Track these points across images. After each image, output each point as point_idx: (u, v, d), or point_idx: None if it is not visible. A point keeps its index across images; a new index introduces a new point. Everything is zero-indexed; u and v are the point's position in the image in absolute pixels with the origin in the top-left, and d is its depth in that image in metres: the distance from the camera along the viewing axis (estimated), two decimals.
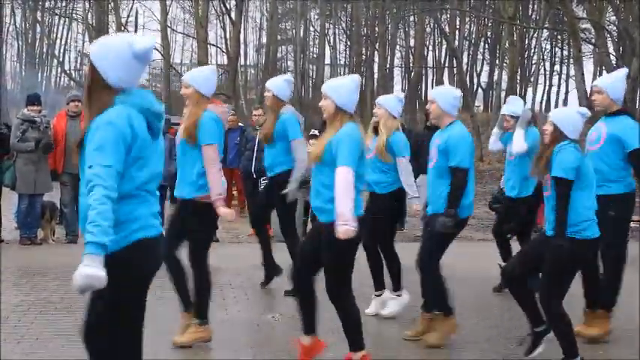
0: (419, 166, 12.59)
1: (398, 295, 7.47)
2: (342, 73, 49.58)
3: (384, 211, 7.34)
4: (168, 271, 6.10)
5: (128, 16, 42.52)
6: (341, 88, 5.44)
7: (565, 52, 51.22)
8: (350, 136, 5.30)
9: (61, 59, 46.06)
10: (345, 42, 50.54)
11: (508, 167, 8.43)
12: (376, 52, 42.06)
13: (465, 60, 47.22)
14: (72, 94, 11.71)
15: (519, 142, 7.88)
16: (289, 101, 8.18)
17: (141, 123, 3.58)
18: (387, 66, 43.26)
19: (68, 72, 42.89)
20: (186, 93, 6.12)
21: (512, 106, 8.44)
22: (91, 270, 3.25)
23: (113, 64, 3.57)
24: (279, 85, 8.02)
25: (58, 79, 49.11)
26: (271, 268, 8.30)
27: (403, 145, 7.31)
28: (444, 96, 6.46)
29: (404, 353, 6.29)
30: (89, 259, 3.28)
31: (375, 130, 7.29)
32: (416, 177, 12.71)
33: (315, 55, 49.74)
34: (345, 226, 5.10)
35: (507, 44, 34.97)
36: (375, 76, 43.45)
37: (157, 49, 40.74)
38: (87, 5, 41.59)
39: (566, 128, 5.61)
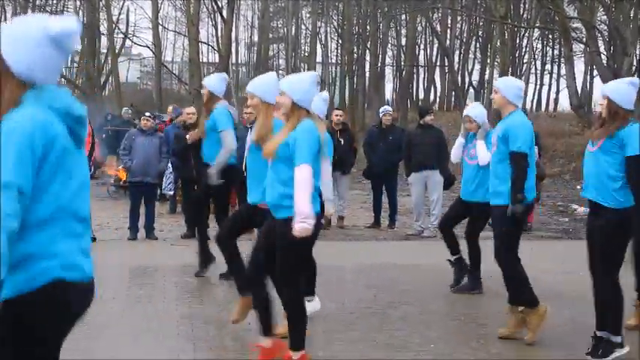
0: (411, 164, 12.68)
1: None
2: (333, 71, 49.64)
3: None
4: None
5: (119, 14, 42.46)
6: (298, 84, 5.43)
7: (556, 52, 51.36)
8: (308, 133, 5.30)
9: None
10: (337, 40, 50.53)
11: (467, 170, 8.51)
12: (368, 50, 42.02)
13: (456, 59, 47.30)
14: None
15: (484, 155, 8.05)
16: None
17: (59, 127, 2.78)
18: (379, 64, 43.24)
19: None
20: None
21: (475, 110, 8.62)
22: None
23: (21, 47, 2.80)
24: (213, 81, 8.60)
25: None
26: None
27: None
28: (508, 86, 6.77)
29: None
30: None
31: None
32: (408, 175, 12.85)
33: (306, 54, 49.72)
34: (304, 224, 5.11)
35: (499, 43, 34.93)
36: (367, 74, 43.44)
37: (149, 47, 40.71)
38: (78, 3, 41.53)
39: (621, 100, 5.78)
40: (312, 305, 7.38)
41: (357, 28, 43.56)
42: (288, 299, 5.53)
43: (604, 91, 5.98)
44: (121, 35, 41.02)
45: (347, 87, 43.40)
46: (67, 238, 2.78)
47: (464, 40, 50.11)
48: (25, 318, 2.69)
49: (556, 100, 53.71)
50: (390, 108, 14.82)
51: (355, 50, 42.54)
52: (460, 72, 47.16)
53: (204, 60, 41.87)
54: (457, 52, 48.68)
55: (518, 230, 6.66)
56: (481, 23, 44.41)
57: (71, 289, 2.79)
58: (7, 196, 2.57)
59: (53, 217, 2.73)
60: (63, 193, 2.76)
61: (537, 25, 37.72)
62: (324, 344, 6.52)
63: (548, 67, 54.96)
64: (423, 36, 50.60)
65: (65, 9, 43.93)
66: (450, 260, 8.64)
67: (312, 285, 7.30)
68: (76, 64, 43.98)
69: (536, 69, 52.75)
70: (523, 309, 6.62)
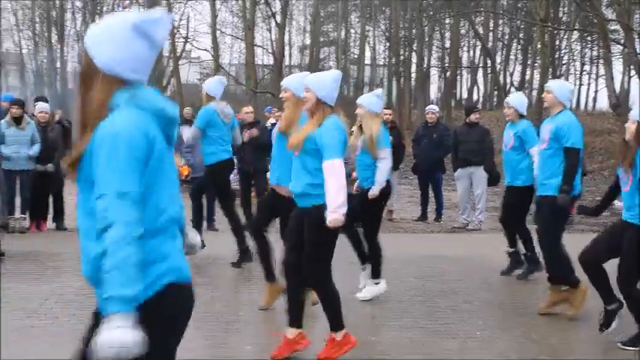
0: (458, 159, 12.62)
1: (376, 284, 7.55)
2: (381, 72, 49.49)
3: (370, 205, 7.45)
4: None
5: (180, 19, 42.74)
6: (322, 83, 5.44)
7: (594, 53, 50.51)
8: (336, 129, 5.32)
9: (161, 40, 46.39)
10: (384, 43, 50.34)
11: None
12: (414, 52, 41.85)
13: (498, 60, 46.83)
14: None
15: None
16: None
17: (155, 129, 2.61)
18: (424, 66, 43.03)
19: None
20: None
21: (513, 97, 8.84)
22: (121, 334, 2.36)
23: (108, 44, 2.59)
24: (210, 84, 8.98)
25: None
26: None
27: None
28: (560, 88, 7.06)
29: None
30: (116, 319, 2.38)
31: (361, 129, 7.47)
32: (455, 170, 12.81)
33: (355, 56, 49.65)
34: (336, 214, 5.14)
35: (539, 45, 34.52)
36: (413, 75, 43.25)
37: (208, 50, 40.96)
38: (141, 10, 41.90)
39: None
40: (379, 287, 7.44)
41: (403, 31, 43.37)
42: (318, 285, 5.58)
43: (633, 116, 6.01)
44: (182, 39, 41.32)
45: (394, 87, 43.28)
46: (171, 241, 2.66)
47: (505, 42, 49.59)
48: (148, 324, 2.48)
49: (594, 99, 52.96)
50: (435, 107, 14.73)
51: (402, 52, 42.37)
52: (502, 73, 46.71)
53: (259, 62, 41.96)
54: (499, 54, 48.19)
55: (563, 220, 6.93)
56: (522, 26, 43.91)
57: (183, 289, 2.68)
58: (127, 205, 2.44)
59: (159, 221, 2.61)
60: (163, 196, 2.63)
61: (576, 27, 37.17)
62: (375, 330, 6.53)
63: (586, 67, 54.15)
64: (467, 38, 50.15)
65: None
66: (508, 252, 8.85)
67: (378, 268, 7.50)
68: None
69: (575, 69, 52.05)
70: (567, 288, 6.91)
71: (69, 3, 43.03)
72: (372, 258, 7.59)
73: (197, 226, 9.29)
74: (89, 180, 2.54)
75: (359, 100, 7.58)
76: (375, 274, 7.54)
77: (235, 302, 7.36)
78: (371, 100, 7.45)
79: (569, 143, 6.67)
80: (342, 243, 9.89)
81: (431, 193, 13.69)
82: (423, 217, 13.69)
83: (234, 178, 14.25)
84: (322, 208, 5.28)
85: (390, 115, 13.47)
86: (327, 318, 5.57)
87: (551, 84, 7.23)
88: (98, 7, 42.62)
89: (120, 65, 2.59)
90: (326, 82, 5.45)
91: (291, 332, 5.63)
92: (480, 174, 12.34)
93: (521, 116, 8.43)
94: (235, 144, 9.05)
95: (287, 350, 5.58)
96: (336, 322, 5.53)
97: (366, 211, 7.50)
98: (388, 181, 7.53)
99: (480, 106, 45.33)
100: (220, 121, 8.72)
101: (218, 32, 40.84)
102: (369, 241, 7.58)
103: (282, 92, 6.41)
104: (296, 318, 5.64)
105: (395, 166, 12.99)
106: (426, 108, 14.54)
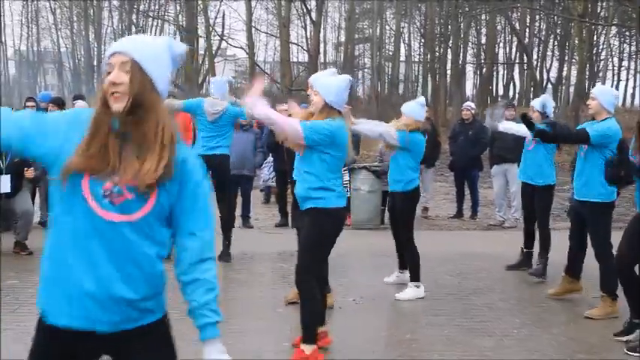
0: (494, 156, 12.57)
1: (417, 287, 7.59)
2: (416, 69, 49.32)
3: (403, 207, 7.63)
4: None
5: (216, 17, 42.97)
6: (332, 88, 5.41)
7: (633, 48, 49.92)
8: (328, 124, 5.28)
9: (180, 63, 46.79)
10: (419, 40, 50.18)
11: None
12: (449, 49, 41.65)
13: (534, 56, 46.44)
14: (169, 90, 11.95)
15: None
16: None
17: None
18: (460, 62, 42.80)
19: None
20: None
21: (537, 100, 8.73)
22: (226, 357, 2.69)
23: (162, 67, 2.58)
24: (215, 83, 9.26)
25: None
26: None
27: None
28: (605, 95, 7.04)
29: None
30: (219, 343, 2.71)
31: None
32: (491, 166, 12.76)
33: (390, 53, 49.51)
34: (253, 107, 5.18)
35: (576, 41, 34.21)
36: (448, 72, 43.05)
37: (243, 48, 41.12)
38: (178, 7, 42.18)
39: None
40: (418, 291, 7.47)
41: (439, 27, 43.18)
42: (303, 290, 5.48)
43: None
44: (217, 37, 41.53)
45: (429, 84, 43.11)
46: None
47: (542, 38, 49.15)
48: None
49: (632, 96, 52.37)
50: (471, 104, 14.63)
51: (437, 49, 42.20)
52: (538, 69, 46.32)
53: (295, 60, 42.06)
54: (536, 50, 47.78)
55: (609, 223, 6.99)
56: (559, 21, 43.48)
57: None
58: None
59: None
60: None
61: (614, 22, 36.73)
62: (411, 328, 6.54)
63: (625, 63, 53.60)
64: (503, 34, 49.83)
65: (166, 14, 44.70)
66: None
67: (417, 271, 7.55)
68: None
69: (613, 65, 51.55)
70: (604, 295, 6.86)
71: (106, 2, 43.44)
72: (409, 261, 7.62)
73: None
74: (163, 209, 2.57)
75: (403, 109, 7.66)
76: (414, 277, 7.56)
77: (272, 298, 7.40)
78: (414, 108, 7.53)
79: (608, 150, 6.72)
80: (370, 244, 9.93)
81: (467, 191, 13.63)
82: (459, 214, 13.64)
83: (270, 175, 14.33)
84: (320, 211, 5.33)
85: (425, 112, 13.43)
86: (301, 327, 5.46)
87: (596, 91, 7.21)
88: (135, 6, 42.98)
89: (165, 90, 2.61)
90: (335, 86, 5.43)
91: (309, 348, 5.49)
92: (515, 171, 12.26)
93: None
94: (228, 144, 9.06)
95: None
96: (308, 335, 5.41)
97: (399, 212, 7.59)
98: (417, 187, 7.62)
99: (515, 102, 45.05)
100: (202, 115, 8.85)
101: (253, 30, 41.02)
102: (405, 244, 7.62)
103: (309, 89, 6.44)
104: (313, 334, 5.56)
105: (430, 164, 12.98)
106: (463, 105, 14.48)
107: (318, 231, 5.39)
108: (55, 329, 2.54)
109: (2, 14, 44.87)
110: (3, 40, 46.71)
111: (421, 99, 7.91)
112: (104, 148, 2.48)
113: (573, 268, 7.44)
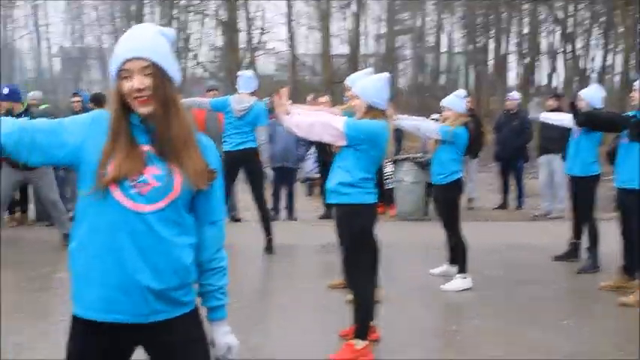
0: (540, 147, 12.47)
1: (464, 278, 7.56)
2: (458, 60, 48.97)
3: (445, 199, 7.63)
4: None
5: (256, 11, 43.01)
6: (371, 89, 5.38)
7: None
8: (372, 123, 5.28)
9: (195, 52, 47.08)
10: (461, 30, 49.77)
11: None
12: (491, 39, 41.28)
13: (578, 45, 45.82)
14: (210, 84, 12.03)
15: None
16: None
17: None
18: (502, 53, 42.39)
19: (202, 64, 43.63)
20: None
21: (584, 91, 8.57)
22: (233, 336, 2.79)
23: (170, 56, 2.63)
24: (241, 80, 9.19)
25: (193, 70, 50.11)
26: None
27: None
28: None
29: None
30: (226, 324, 2.79)
31: None
32: (538, 156, 12.67)
33: (431, 44, 49.19)
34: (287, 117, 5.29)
35: (621, 29, 33.68)
36: (490, 62, 42.68)
37: (283, 41, 41.15)
38: (219, 1, 42.29)
39: None
40: (465, 282, 7.45)
41: (480, 18, 42.79)
42: (353, 286, 5.51)
43: None
44: (258, 31, 41.58)
45: (471, 75, 42.79)
46: None
47: (586, 26, 48.47)
48: None
49: None
50: (515, 94, 14.49)
51: (479, 39, 41.85)
52: (582, 58, 45.71)
53: (335, 52, 41.93)
54: (579, 39, 47.13)
55: None
56: (603, 10, 42.86)
57: None
58: None
59: None
60: None
61: None
62: (456, 319, 6.52)
63: None
64: (545, 24, 49.21)
65: (206, 8, 44.87)
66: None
67: (464, 262, 7.52)
68: (217, 59, 44.91)
69: None
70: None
71: None
72: (455, 252, 7.59)
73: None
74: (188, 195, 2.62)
75: (443, 102, 7.64)
76: (461, 269, 7.53)
77: (316, 290, 7.41)
78: (455, 101, 7.52)
79: None
80: (414, 236, 9.91)
81: (512, 181, 13.54)
82: (504, 205, 13.55)
83: (313, 168, 14.34)
84: (346, 207, 5.35)
85: (468, 102, 13.35)
86: (354, 322, 5.45)
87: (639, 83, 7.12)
88: (175, 0, 43.20)
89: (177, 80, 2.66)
90: (374, 87, 5.41)
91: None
92: (559, 161, 12.15)
93: None
94: (259, 140, 9.07)
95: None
96: (361, 331, 5.40)
97: (442, 204, 7.59)
98: (460, 179, 7.57)
99: (561, 92, 44.51)
100: (230, 112, 8.97)
101: (293, 23, 41.04)
102: (451, 234, 7.59)
103: (347, 92, 6.43)
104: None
105: (474, 154, 12.88)
106: (507, 95, 14.37)
107: (348, 227, 5.40)
108: (87, 322, 2.57)
109: (46, 11, 45.48)
110: (48, 37, 47.31)
111: (460, 91, 7.87)
112: (132, 150, 2.52)
113: (629, 262, 7.33)
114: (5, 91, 9.08)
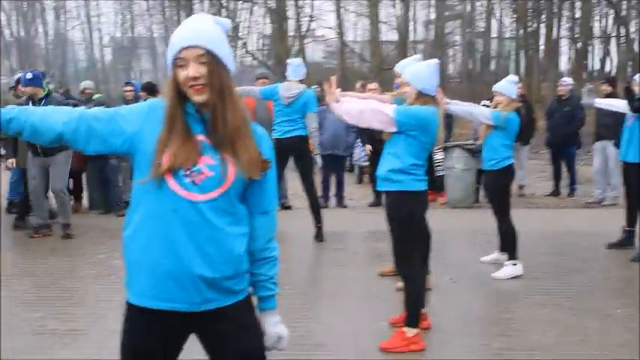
0: (595, 133, 12.31)
1: (514, 265, 7.50)
2: (508, 45, 48.42)
3: (496, 185, 7.56)
4: None
5: None
6: (421, 75, 5.37)
7: None
8: (422, 109, 5.27)
9: (244, 41, 47.32)
10: (511, 15, 49.19)
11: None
12: (542, 24, 40.73)
13: (632, 29, 44.99)
14: (259, 72, 12.09)
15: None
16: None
17: None
18: (553, 37, 41.81)
19: (251, 52, 43.80)
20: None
21: None
22: (283, 326, 2.79)
23: (227, 46, 2.64)
24: (290, 68, 9.26)
25: (242, 59, 50.36)
26: None
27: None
28: None
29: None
30: (277, 314, 2.79)
31: None
32: (593, 142, 12.51)
33: (481, 29, 48.73)
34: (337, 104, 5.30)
35: None
36: (541, 47, 42.13)
37: (332, 28, 41.10)
38: None
39: None
40: (516, 268, 7.40)
41: (531, 2, 42.25)
42: (403, 274, 5.50)
43: None
44: (307, 18, 41.59)
45: (522, 60, 42.29)
46: None
47: None
48: None
49: None
50: (567, 80, 14.29)
51: (530, 24, 41.32)
52: (637, 42, 44.85)
53: (384, 39, 41.76)
54: (633, 22, 46.27)
55: None
56: None
57: None
58: None
59: None
60: None
61: None
62: (509, 307, 6.47)
63: None
64: (598, 7, 48.41)
65: None
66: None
67: (514, 248, 7.47)
68: (266, 47, 45.06)
69: None
70: None
71: None
72: (505, 238, 7.54)
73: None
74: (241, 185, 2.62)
75: (495, 88, 7.59)
76: (511, 255, 7.48)
77: (367, 277, 7.43)
78: (507, 87, 7.45)
79: None
80: (465, 223, 9.85)
81: (564, 168, 13.38)
82: (556, 192, 13.40)
83: (362, 155, 14.32)
84: (397, 195, 5.32)
85: (519, 88, 13.21)
86: (405, 310, 5.44)
87: None
88: None
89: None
90: (424, 73, 5.39)
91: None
92: (613, 148, 11.97)
93: None
94: (309, 128, 9.09)
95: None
96: (412, 319, 5.39)
97: (493, 191, 7.53)
98: (511, 165, 7.51)
99: (615, 77, 43.72)
100: (279, 99, 9.05)
101: (342, 10, 40.95)
102: (501, 221, 7.53)
103: (397, 78, 6.42)
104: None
105: (525, 141, 12.76)
106: (559, 81, 14.18)
107: (399, 214, 5.38)
108: (141, 309, 2.60)
109: (98, 2, 46.05)
110: (100, 28, 47.95)
111: (512, 76, 7.79)
112: (187, 140, 2.53)
113: None
114: (29, 75, 9.23)
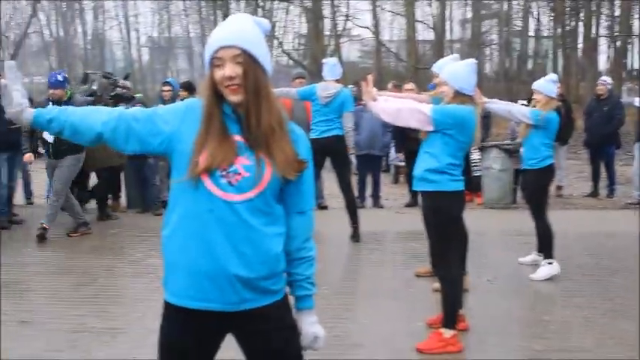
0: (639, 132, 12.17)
1: (549, 264, 7.43)
2: (545, 44, 48.02)
3: (536, 184, 7.52)
4: None
5: None
6: (459, 74, 5.36)
7: None
8: (458, 108, 5.26)
9: (280, 40, 47.48)
10: (549, 14, 48.77)
11: None
12: (580, 22, 40.32)
13: None
14: (296, 72, 12.13)
15: None
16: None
17: None
18: (592, 36, 41.39)
19: (287, 51, 43.90)
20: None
21: None
22: (319, 326, 2.79)
23: (264, 46, 2.61)
24: (326, 68, 9.23)
25: (278, 58, 50.50)
26: None
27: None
28: None
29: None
30: (314, 314, 2.79)
31: None
32: (635, 143, 12.35)
33: (518, 28, 48.38)
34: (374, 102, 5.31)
35: None
36: (580, 46, 41.72)
37: (368, 28, 41.04)
38: None
39: None
40: (552, 268, 7.36)
41: (569, 0, 41.85)
42: (440, 275, 5.53)
43: None
44: (342, 18, 41.57)
45: (560, 59, 41.90)
46: None
47: None
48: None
49: None
50: (606, 79, 14.14)
51: (568, 22, 40.93)
52: None
53: (420, 38, 41.63)
54: None
55: None
56: None
57: None
58: None
59: None
60: None
61: None
62: (547, 309, 6.42)
63: None
64: (638, 5, 47.80)
65: None
66: None
67: (550, 248, 7.41)
68: (302, 47, 45.11)
69: None
70: None
71: None
72: (541, 237, 7.49)
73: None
74: (277, 185, 2.63)
75: (535, 86, 7.55)
76: (547, 254, 7.42)
77: (404, 278, 7.41)
78: (546, 86, 7.40)
79: None
80: (502, 223, 9.79)
81: (603, 169, 13.24)
82: (595, 192, 13.25)
83: (395, 157, 14.29)
84: (434, 195, 5.32)
85: (558, 88, 13.09)
86: (442, 311, 5.44)
87: None
88: None
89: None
90: (462, 72, 5.40)
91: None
92: None
93: None
94: (345, 127, 9.09)
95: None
96: (449, 319, 5.38)
97: (532, 190, 7.50)
98: (552, 165, 7.46)
99: None
100: (316, 99, 9.05)
101: (378, 9, 40.88)
102: (537, 220, 7.48)
103: (434, 78, 6.41)
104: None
105: (564, 141, 12.64)
106: (598, 80, 14.03)
107: (436, 214, 5.38)
108: (178, 308, 2.63)
109: (136, 2, 46.47)
110: (137, 28, 48.34)
111: (552, 75, 7.73)
112: (224, 140, 2.54)
113: None
114: (60, 77, 9.31)
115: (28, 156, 9.60)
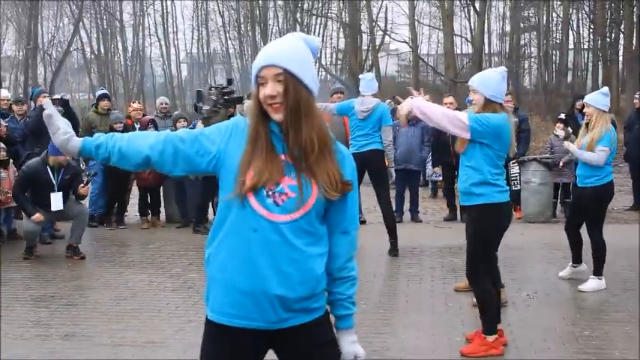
0: None
1: (599, 279, 7.45)
2: (585, 57, 47.63)
3: (599, 200, 7.46)
4: None
5: (378, 12, 43.10)
6: (488, 82, 5.37)
7: None
8: (496, 118, 5.27)
9: (318, 55, 47.71)
10: (589, 26, 48.39)
11: None
12: (621, 34, 39.94)
13: None
14: (335, 87, 12.19)
15: None
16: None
17: None
18: (633, 48, 40.98)
19: (325, 67, 44.06)
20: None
21: None
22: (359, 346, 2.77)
23: (308, 66, 2.61)
24: (363, 83, 9.29)
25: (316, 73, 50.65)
26: None
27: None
28: None
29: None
30: (354, 334, 2.78)
31: (587, 127, 7.44)
32: None
33: (557, 41, 48.06)
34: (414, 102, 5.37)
35: None
36: (620, 58, 41.31)
37: (406, 42, 41.05)
38: (341, 5, 42.61)
39: None
40: (600, 282, 7.32)
41: (609, 12, 41.50)
42: (476, 287, 5.53)
43: None
44: (380, 32, 41.65)
45: (600, 72, 41.52)
46: None
47: None
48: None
49: None
50: None
51: (608, 35, 40.57)
52: None
53: (458, 52, 41.56)
54: None
55: None
56: None
57: None
58: None
59: None
60: None
61: None
62: (589, 323, 6.35)
63: None
64: None
65: (329, 11, 45.28)
66: None
67: (601, 266, 7.44)
68: (340, 61, 45.23)
69: None
70: None
71: (271, 2, 44.49)
72: (596, 255, 7.43)
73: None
74: (322, 205, 2.62)
75: (586, 99, 7.51)
76: (598, 272, 7.39)
77: (443, 292, 7.38)
78: (598, 99, 7.35)
79: None
80: (542, 238, 9.70)
81: None
82: (636, 206, 13.09)
83: (432, 173, 14.23)
84: (482, 208, 5.32)
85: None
86: (481, 321, 5.53)
87: None
88: (299, 4, 43.76)
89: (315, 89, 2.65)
90: (491, 79, 5.41)
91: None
92: None
93: None
94: (385, 141, 9.09)
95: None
96: (487, 326, 5.47)
97: (589, 209, 7.48)
98: (612, 180, 7.43)
99: None
100: (354, 114, 9.11)
101: (416, 23, 40.88)
102: (594, 238, 7.43)
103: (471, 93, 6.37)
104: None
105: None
106: (638, 93, 13.88)
107: (483, 227, 5.40)
108: (217, 325, 2.64)
109: (175, 19, 46.99)
110: (176, 44, 48.86)
111: (605, 89, 7.66)
112: (270, 159, 2.55)
113: None
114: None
115: (37, 216, 9.16)
